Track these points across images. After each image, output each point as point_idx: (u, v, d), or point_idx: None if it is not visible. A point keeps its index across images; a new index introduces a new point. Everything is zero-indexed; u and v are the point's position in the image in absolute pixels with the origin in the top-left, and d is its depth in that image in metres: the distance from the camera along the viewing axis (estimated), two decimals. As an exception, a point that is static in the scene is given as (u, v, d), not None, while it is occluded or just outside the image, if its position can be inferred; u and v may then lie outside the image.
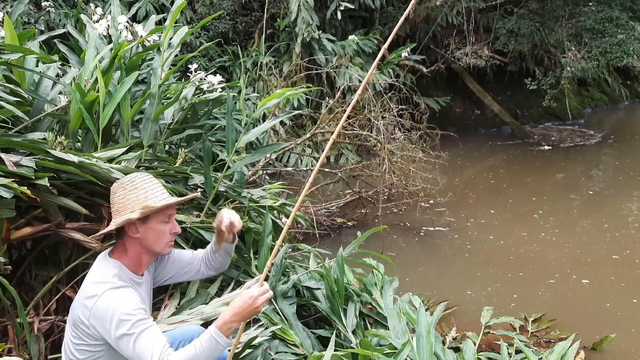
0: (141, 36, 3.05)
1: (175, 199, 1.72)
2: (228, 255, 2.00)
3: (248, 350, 2.18)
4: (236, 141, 2.58)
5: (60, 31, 3.35)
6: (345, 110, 6.03)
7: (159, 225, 1.67)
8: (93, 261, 2.23)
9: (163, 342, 1.50)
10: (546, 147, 8.90)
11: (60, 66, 3.11)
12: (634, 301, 3.82)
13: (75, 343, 1.57)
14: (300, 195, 1.78)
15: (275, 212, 3.01)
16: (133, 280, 1.67)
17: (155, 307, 2.32)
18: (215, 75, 3.52)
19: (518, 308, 3.73)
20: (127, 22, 3.08)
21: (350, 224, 5.41)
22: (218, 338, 1.53)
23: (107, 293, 1.52)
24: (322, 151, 7.23)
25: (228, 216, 1.85)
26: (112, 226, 1.65)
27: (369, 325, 2.77)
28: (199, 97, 3.29)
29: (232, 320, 1.55)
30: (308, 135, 5.65)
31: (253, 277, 2.60)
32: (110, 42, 3.11)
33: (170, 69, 3.02)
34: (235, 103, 3.42)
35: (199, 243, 2.66)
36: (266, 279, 1.84)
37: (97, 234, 1.89)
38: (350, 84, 7.59)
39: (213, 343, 1.52)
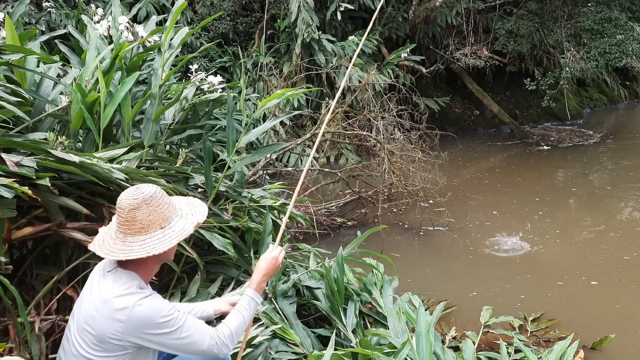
0: (142, 37, 3.06)
1: (205, 210, 1.75)
2: None
3: (248, 350, 2.19)
4: (237, 141, 2.58)
5: (61, 32, 3.35)
6: (334, 108, 6.04)
7: None
8: (94, 261, 2.26)
9: (204, 323, 1.66)
10: (545, 147, 8.92)
11: (61, 67, 3.12)
12: (646, 303, 3.78)
13: (100, 356, 1.56)
14: (296, 190, 1.85)
15: (275, 212, 3.02)
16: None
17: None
18: (215, 76, 3.53)
19: (525, 310, 3.71)
20: (128, 22, 3.09)
21: (350, 223, 5.42)
22: (257, 299, 1.83)
23: (140, 302, 1.54)
24: (322, 151, 7.27)
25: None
26: (165, 247, 1.56)
27: (368, 325, 2.78)
28: (199, 97, 3.30)
29: (263, 280, 1.86)
30: (308, 135, 5.66)
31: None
32: (111, 42, 3.12)
33: (170, 69, 3.03)
34: (236, 103, 3.43)
35: (199, 243, 2.67)
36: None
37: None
38: (350, 85, 7.60)
39: (253, 304, 1.82)
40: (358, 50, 2.77)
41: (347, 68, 7.98)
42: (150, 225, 1.58)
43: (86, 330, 1.57)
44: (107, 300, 1.55)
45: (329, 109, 6.50)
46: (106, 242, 1.62)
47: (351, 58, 8.22)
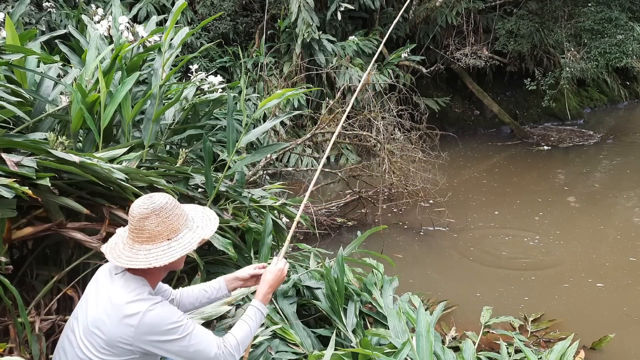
0: (142, 37, 3.06)
1: (214, 225, 1.72)
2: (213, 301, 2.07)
3: (249, 349, 2.18)
4: (237, 141, 2.58)
5: (62, 32, 3.34)
6: (344, 110, 6.06)
7: None
8: (94, 261, 2.26)
9: (211, 333, 1.67)
10: (545, 148, 8.92)
11: (61, 67, 3.12)
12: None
13: (107, 358, 1.57)
14: (305, 196, 1.84)
15: (275, 212, 3.02)
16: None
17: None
18: (215, 76, 3.53)
19: (531, 311, 3.69)
20: (128, 22, 3.08)
21: (350, 223, 5.42)
22: (262, 310, 1.85)
23: (150, 308, 1.55)
24: (323, 151, 7.26)
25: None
26: (167, 261, 1.56)
27: (368, 325, 2.78)
28: (199, 97, 3.30)
29: (268, 292, 1.89)
30: (308, 135, 5.66)
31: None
32: (111, 42, 3.12)
33: (171, 69, 3.03)
34: (236, 103, 3.43)
35: (199, 243, 2.67)
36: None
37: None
38: (350, 85, 7.60)
39: (259, 315, 1.84)
40: (375, 57, 2.78)
41: (347, 68, 7.98)
42: (157, 235, 1.59)
43: (94, 334, 1.56)
44: (118, 306, 1.55)
45: (331, 112, 6.51)
46: (117, 245, 1.64)
47: (352, 58, 8.22)
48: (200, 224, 1.70)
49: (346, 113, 2.46)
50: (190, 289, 1.99)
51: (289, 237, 2.08)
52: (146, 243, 1.59)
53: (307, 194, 2.19)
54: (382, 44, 2.85)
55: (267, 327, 2.37)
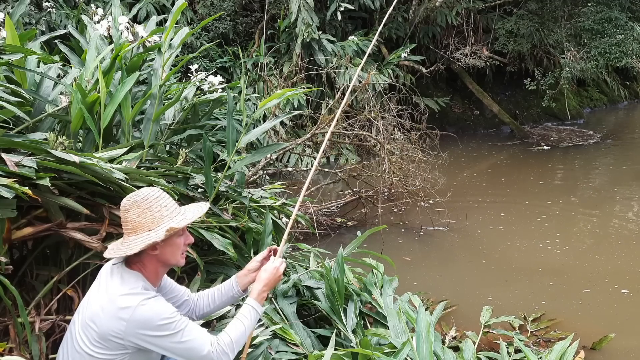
0: (142, 37, 3.06)
1: (195, 216, 1.72)
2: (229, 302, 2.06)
3: (249, 350, 2.18)
4: (237, 141, 2.58)
5: (61, 32, 3.34)
6: (342, 110, 6.06)
7: (176, 240, 1.70)
8: (94, 261, 2.26)
9: (205, 331, 1.66)
10: (545, 147, 8.92)
11: (61, 67, 3.12)
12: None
13: (100, 353, 1.58)
14: (301, 194, 1.84)
15: (275, 212, 3.02)
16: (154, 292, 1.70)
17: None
18: (215, 76, 3.54)
19: (548, 315, 3.63)
20: (128, 22, 3.09)
21: (350, 223, 5.42)
22: (258, 309, 1.83)
23: (143, 303, 1.56)
24: (323, 151, 7.26)
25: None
26: (137, 249, 1.59)
27: (368, 325, 2.78)
28: (199, 97, 3.30)
29: (264, 290, 1.87)
30: (308, 135, 5.66)
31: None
32: (111, 42, 3.12)
33: (171, 69, 3.03)
34: (236, 103, 3.43)
35: (199, 243, 2.67)
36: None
37: (112, 254, 1.66)
38: (349, 85, 7.60)
39: (254, 314, 1.81)
40: (369, 51, 2.80)
41: (347, 68, 7.98)
42: (139, 226, 1.63)
43: (90, 327, 1.58)
44: (112, 299, 1.58)
45: (331, 112, 6.51)
46: (117, 242, 1.70)
47: (352, 58, 8.23)
48: (189, 215, 1.71)
49: (342, 106, 2.46)
50: (207, 291, 2.01)
51: (285, 236, 2.08)
52: (131, 234, 1.63)
53: (303, 190, 2.19)
54: (374, 40, 2.86)
55: (267, 327, 2.37)
